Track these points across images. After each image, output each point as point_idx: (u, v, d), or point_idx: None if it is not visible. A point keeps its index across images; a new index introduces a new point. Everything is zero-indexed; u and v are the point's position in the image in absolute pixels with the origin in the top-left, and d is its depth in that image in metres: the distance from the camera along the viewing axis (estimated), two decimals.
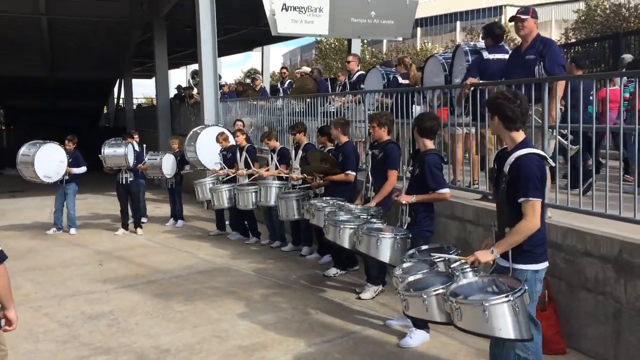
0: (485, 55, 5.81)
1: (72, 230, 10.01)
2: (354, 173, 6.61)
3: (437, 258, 3.86)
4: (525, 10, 5.16)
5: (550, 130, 4.76)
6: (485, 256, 3.30)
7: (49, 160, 9.60)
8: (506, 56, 5.80)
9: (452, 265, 3.51)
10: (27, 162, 9.48)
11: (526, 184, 3.16)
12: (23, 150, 9.60)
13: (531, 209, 3.17)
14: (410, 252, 4.22)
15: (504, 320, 2.92)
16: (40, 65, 26.12)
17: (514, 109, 3.26)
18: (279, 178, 8.02)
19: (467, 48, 6.20)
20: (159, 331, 5.13)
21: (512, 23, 5.23)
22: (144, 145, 11.08)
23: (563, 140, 5.00)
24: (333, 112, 8.64)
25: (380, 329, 5.01)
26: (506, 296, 2.95)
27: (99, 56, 26.18)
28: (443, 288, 3.26)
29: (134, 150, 10.03)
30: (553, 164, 3.56)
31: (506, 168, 3.25)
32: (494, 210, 5.04)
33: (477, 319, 2.96)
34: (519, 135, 3.32)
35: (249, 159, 8.71)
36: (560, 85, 4.81)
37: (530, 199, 3.16)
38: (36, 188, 11.71)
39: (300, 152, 7.72)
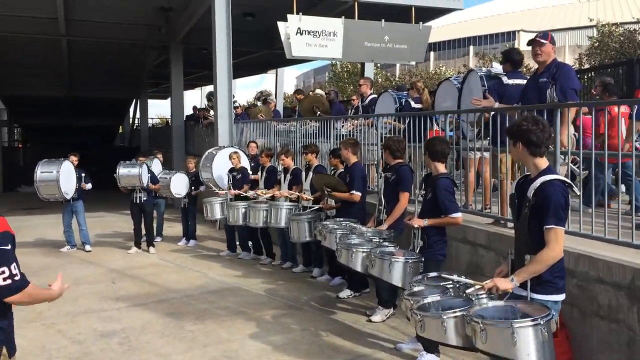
0: (505, 80, 5.82)
1: (87, 247, 10.11)
2: (359, 194, 6.64)
3: (451, 281, 3.77)
4: (544, 35, 5.17)
5: (562, 156, 4.76)
6: (504, 284, 3.22)
7: (67, 177, 9.77)
8: (524, 82, 5.82)
9: (467, 291, 3.45)
10: (50, 180, 9.53)
11: (550, 211, 3.11)
12: (41, 168, 9.67)
13: (554, 237, 3.12)
14: (418, 278, 4.19)
15: (532, 344, 2.85)
16: (58, 85, 26.61)
17: (538, 134, 3.22)
18: (290, 199, 8.07)
19: (481, 73, 6.22)
20: (169, 350, 5.15)
21: (530, 47, 5.23)
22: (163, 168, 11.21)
23: (574, 167, 5.00)
24: (345, 134, 8.71)
25: (391, 352, 4.99)
26: (535, 319, 2.88)
27: (116, 77, 26.63)
28: (464, 310, 3.20)
29: (149, 170, 10.16)
30: (578, 192, 3.51)
31: (530, 193, 3.19)
32: (506, 235, 5.09)
33: (503, 341, 2.88)
34: (543, 162, 3.28)
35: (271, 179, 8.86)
36: (571, 111, 4.82)
37: (554, 226, 3.11)
38: (51, 206, 11.84)
39: (310, 174, 7.78)
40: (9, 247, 2.57)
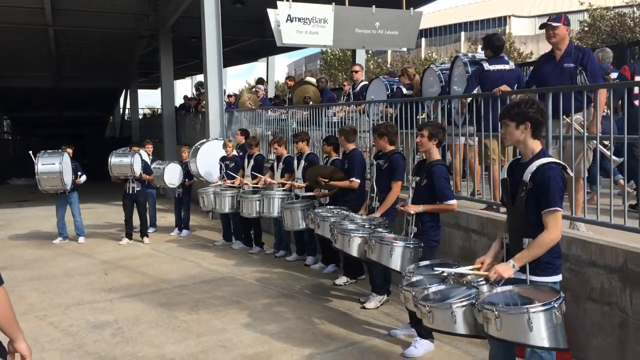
0: (486, 66, 5.85)
1: (81, 239, 10.04)
2: (358, 181, 6.58)
3: (453, 274, 3.66)
4: (557, 17, 5.11)
5: (590, 140, 4.69)
6: (507, 271, 3.20)
7: (67, 169, 9.70)
8: (506, 67, 5.85)
9: (464, 271, 3.44)
10: (53, 172, 9.40)
11: (549, 194, 3.12)
12: (42, 160, 9.50)
13: (553, 219, 3.14)
14: (411, 267, 4.16)
15: (546, 328, 2.86)
16: (47, 76, 26.34)
17: (543, 115, 3.27)
18: (283, 187, 8.04)
19: (466, 59, 6.27)
20: (163, 340, 5.14)
21: (543, 30, 5.15)
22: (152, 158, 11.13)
23: (606, 151, 4.92)
24: (337, 122, 8.67)
25: (385, 338, 5.00)
26: (549, 303, 2.88)
27: (105, 67, 26.39)
28: (471, 299, 3.18)
29: (142, 160, 10.07)
30: (572, 174, 3.52)
31: (526, 177, 3.20)
32: (499, 220, 5.09)
33: (519, 327, 2.87)
34: (538, 145, 3.30)
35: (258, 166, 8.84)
36: (603, 94, 4.72)
37: (553, 209, 3.13)
38: (43, 198, 11.78)
39: (302, 162, 7.74)
40: None
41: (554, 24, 5.02)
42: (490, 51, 5.95)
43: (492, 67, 5.81)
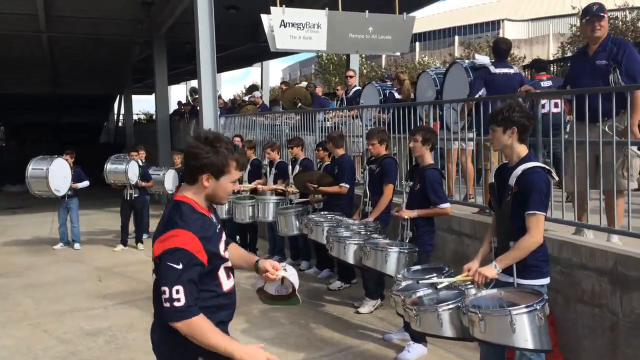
0: (492, 69, 5.86)
1: (77, 245, 10.02)
2: (348, 186, 6.63)
3: (440, 284, 3.64)
4: (600, 7, 4.45)
5: (634, 147, 4.34)
6: (490, 272, 3.25)
7: (58, 174, 9.67)
8: (510, 70, 5.88)
9: (454, 280, 3.46)
10: (40, 177, 9.41)
11: (533, 197, 3.16)
12: (33, 164, 9.51)
13: (536, 223, 3.17)
14: (404, 271, 4.17)
15: (530, 330, 2.89)
16: (42, 82, 26.29)
17: (530, 120, 3.29)
18: (277, 193, 8.06)
19: (466, 64, 6.26)
20: None
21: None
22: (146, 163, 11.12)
23: None
24: (330, 127, 8.70)
25: (379, 342, 5.02)
26: (531, 305, 2.91)
27: (100, 73, 26.34)
28: (457, 302, 3.21)
29: (139, 166, 10.05)
30: (557, 178, 3.55)
31: (512, 181, 3.24)
32: (490, 224, 5.11)
33: (502, 329, 2.90)
34: (524, 149, 3.34)
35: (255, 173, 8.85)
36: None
37: (535, 212, 3.16)
38: (37, 204, 11.75)
39: (297, 167, 7.76)
40: (180, 266, 2.17)
41: (602, 14, 4.38)
42: (495, 55, 5.98)
43: (498, 71, 5.81)
